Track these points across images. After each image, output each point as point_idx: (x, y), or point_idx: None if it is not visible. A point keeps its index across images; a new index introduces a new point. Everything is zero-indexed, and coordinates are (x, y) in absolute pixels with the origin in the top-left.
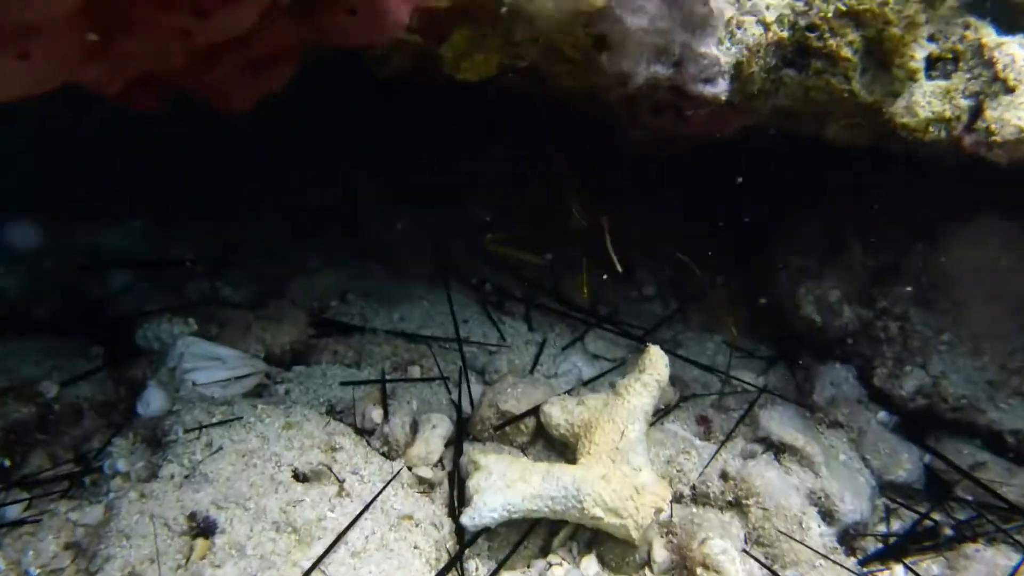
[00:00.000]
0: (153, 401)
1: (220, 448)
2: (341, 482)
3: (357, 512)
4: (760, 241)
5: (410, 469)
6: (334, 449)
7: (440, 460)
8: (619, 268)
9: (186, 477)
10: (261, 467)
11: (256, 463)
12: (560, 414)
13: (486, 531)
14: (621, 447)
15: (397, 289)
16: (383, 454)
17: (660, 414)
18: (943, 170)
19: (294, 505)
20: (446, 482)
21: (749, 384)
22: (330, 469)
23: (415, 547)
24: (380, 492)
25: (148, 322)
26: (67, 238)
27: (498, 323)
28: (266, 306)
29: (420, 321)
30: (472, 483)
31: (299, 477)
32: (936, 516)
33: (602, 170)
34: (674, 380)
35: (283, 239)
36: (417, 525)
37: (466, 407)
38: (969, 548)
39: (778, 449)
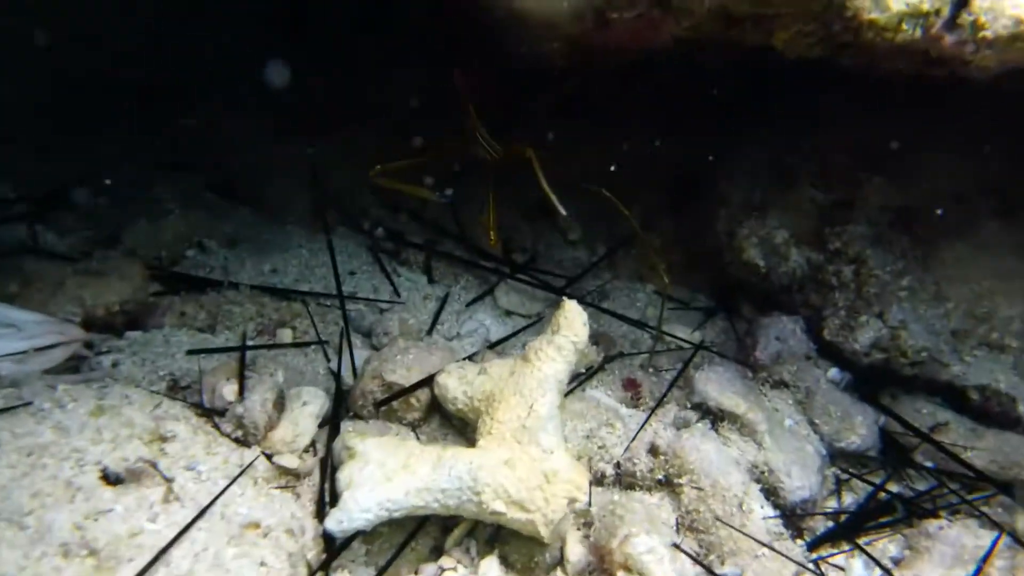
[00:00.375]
0: None
1: None
2: (169, 482)
3: (186, 522)
4: (698, 176)
5: (270, 458)
6: (164, 439)
7: (312, 444)
8: (560, 209)
9: None
10: (53, 468)
11: (47, 464)
12: (457, 385)
13: (361, 534)
14: (529, 425)
15: (270, 235)
16: (237, 440)
17: (580, 378)
18: (902, 91)
19: (97, 518)
20: (317, 472)
21: (683, 340)
22: (155, 466)
23: (261, 564)
24: (221, 493)
25: None
26: None
27: (391, 275)
28: (92, 257)
29: (296, 274)
30: (344, 475)
31: (110, 479)
32: (893, 487)
33: (515, 93)
34: (598, 338)
35: (134, 176)
36: (266, 535)
37: (349, 378)
38: (931, 525)
39: (716, 416)
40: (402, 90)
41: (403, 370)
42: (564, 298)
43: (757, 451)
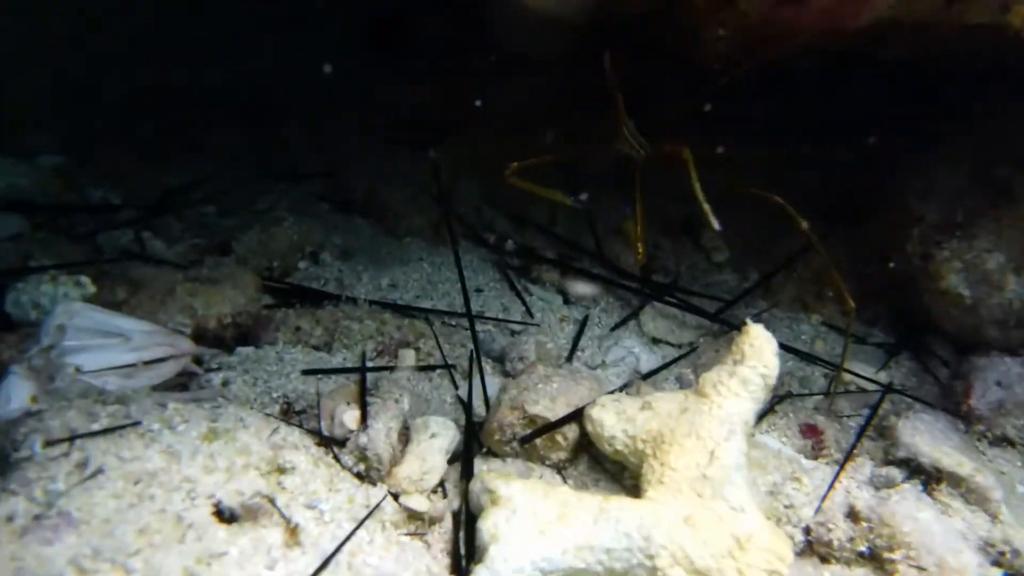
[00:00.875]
0: (15, 396)
1: (99, 471)
2: (289, 522)
3: (309, 573)
4: (881, 186)
5: (396, 499)
6: (282, 471)
7: (441, 484)
8: (715, 223)
9: (36, 518)
10: (163, 501)
11: (155, 494)
12: (615, 422)
13: None
14: (711, 475)
15: (387, 247)
16: (358, 475)
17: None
18: None
19: (210, 562)
20: (449, 517)
21: (869, 380)
22: (273, 503)
23: None
24: (347, 539)
25: (24, 282)
26: None
27: (523, 293)
28: (203, 264)
29: (417, 289)
30: (487, 525)
31: (224, 516)
32: None
33: (666, 90)
34: None
35: (244, 185)
36: None
37: (479, 408)
38: None
39: (929, 476)
40: (521, 94)
41: (547, 401)
42: (748, 321)
43: (991, 525)
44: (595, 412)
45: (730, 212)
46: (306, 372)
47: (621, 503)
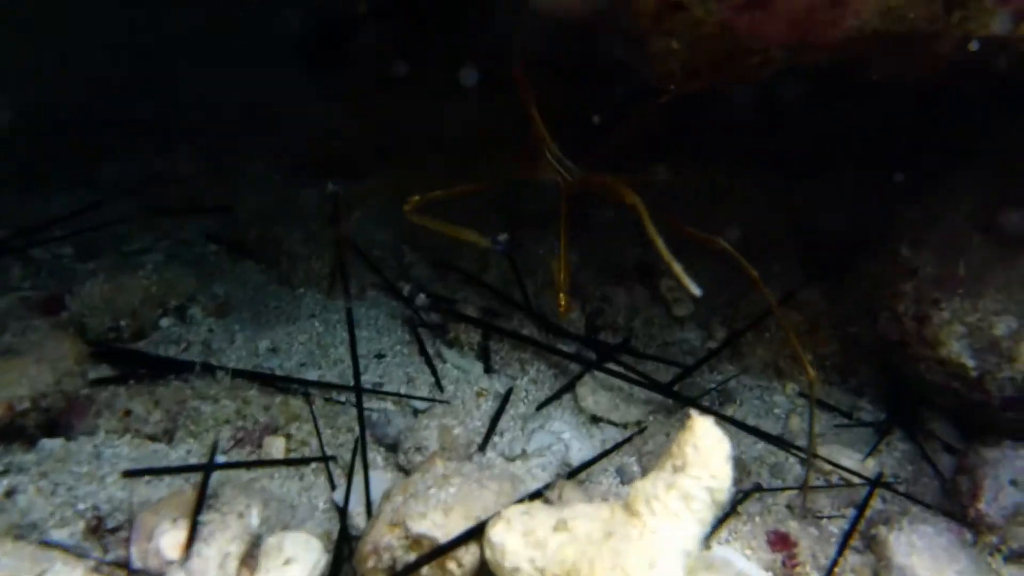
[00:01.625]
0: None
1: None
2: None
3: None
4: (865, 230)
5: None
6: None
7: None
8: (693, 289)
9: None
10: None
11: None
12: (522, 547)
13: None
14: None
15: (277, 300)
16: None
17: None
18: None
19: None
20: None
21: (852, 473)
22: None
23: None
24: None
25: None
26: None
27: (434, 360)
28: (6, 329)
29: (303, 355)
30: None
31: None
32: None
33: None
34: None
35: (119, 221)
36: None
37: (361, 517)
38: None
39: None
40: (453, 122)
41: (438, 514)
42: (692, 412)
43: None
44: (496, 533)
45: (691, 254)
46: (129, 474)
47: None
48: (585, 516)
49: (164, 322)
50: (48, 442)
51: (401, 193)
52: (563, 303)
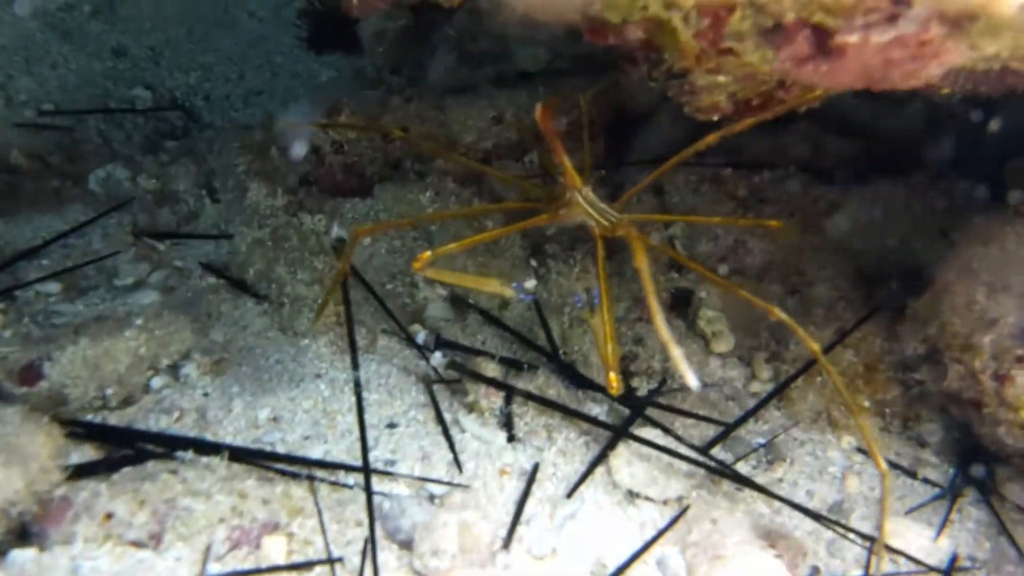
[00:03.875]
0: None
1: None
2: None
3: None
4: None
5: None
6: None
7: None
8: (692, 381)
9: None
10: None
11: None
12: None
13: None
14: None
15: (279, 353)
16: None
17: None
18: None
19: None
20: None
21: (921, 564)
22: None
23: None
24: None
25: None
26: None
27: (451, 429)
28: None
29: (307, 426)
30: None
31: None
32: None
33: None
34: (773, 541)
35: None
36: None
37: None
38: None
39: None
40: (468, 129)
41: None
42: None
43: None
44: None
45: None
46: None
47: None
48: None
49: (156, 382)
50: (19, 554)
51: (415, 214)
52: (614, 383)
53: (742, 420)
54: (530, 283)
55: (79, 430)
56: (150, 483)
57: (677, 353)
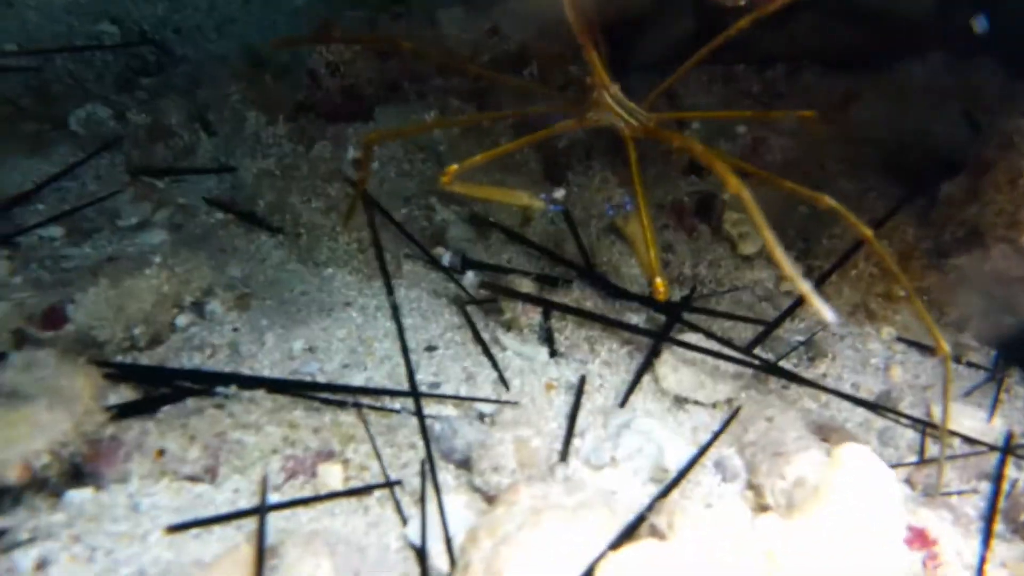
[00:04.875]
0: None
1: None
2: None
3: None
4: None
5: None
6: None
7: None
8: (827, 315)
9: None
10: None
11: None
12: None
13: None
14: None
15: (303, 284)
16: None
17: None
18: None
19: None
20: None
21: (978, 442)
22: None
23: None
24: None
25: None
26: None
27: (491, 347)
28: (4, 360)
29: (344, 354)
30: None
31: None
32: None
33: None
34: (823, 433)
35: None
36: None
37: (442, 560)
38: None
39: None
40: (463, 43)
41: (537, 560)
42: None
43: None
44: None
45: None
46: (173, 529)
47: None
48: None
49: (181, 320)
50: (76, 494)
51: (423, 132)
52: (661, 288)
53: (784, 316)
54: (559, 193)
55: (114, 371)
56: (197, 418)
57: (806, 288)
